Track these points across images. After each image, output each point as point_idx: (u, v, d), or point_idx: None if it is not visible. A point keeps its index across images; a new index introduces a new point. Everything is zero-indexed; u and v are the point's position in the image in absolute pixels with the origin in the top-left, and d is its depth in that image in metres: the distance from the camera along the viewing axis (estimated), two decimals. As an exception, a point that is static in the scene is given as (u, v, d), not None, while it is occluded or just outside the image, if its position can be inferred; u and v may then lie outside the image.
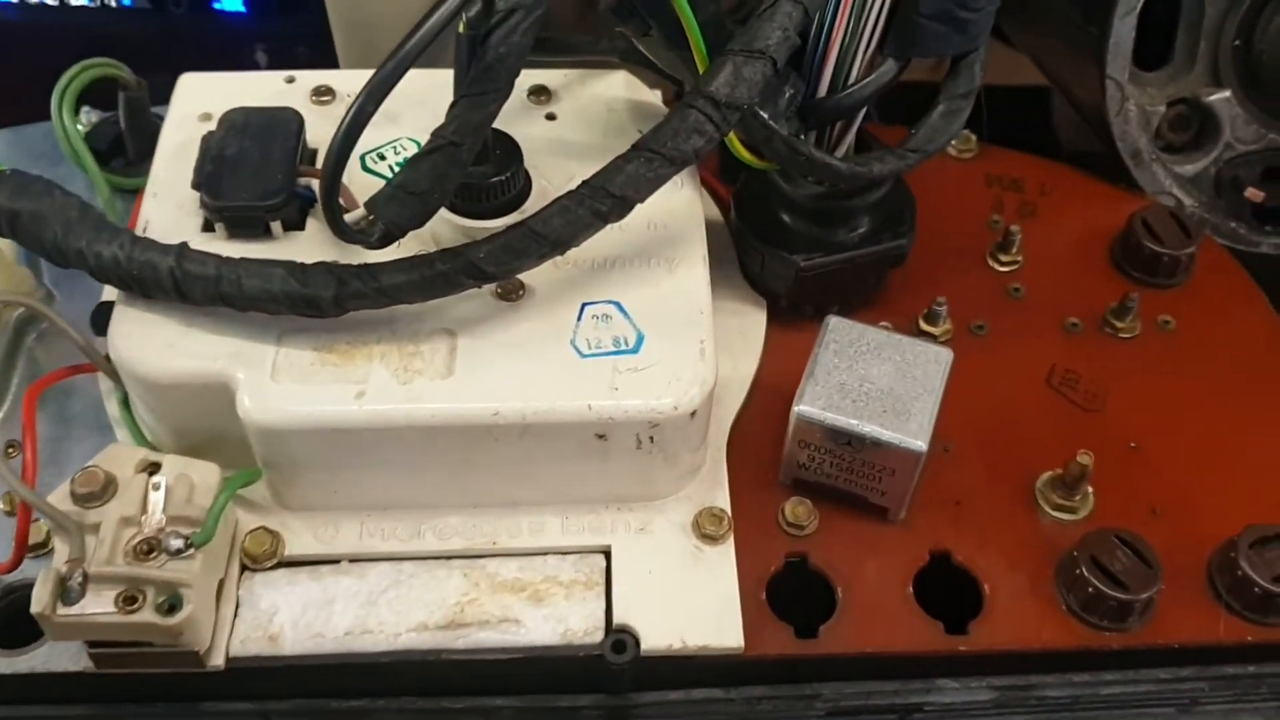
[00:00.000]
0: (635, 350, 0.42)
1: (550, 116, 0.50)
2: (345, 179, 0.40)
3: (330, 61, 0.62)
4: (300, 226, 0.44)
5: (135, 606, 0.38)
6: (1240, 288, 0.54)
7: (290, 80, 0.50)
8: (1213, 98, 0.57)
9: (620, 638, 0.41)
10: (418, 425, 0.41)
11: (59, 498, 0.39)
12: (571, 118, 0.50)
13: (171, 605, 0.38)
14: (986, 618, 0.43)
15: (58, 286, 0.51)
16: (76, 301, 0.49)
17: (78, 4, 0.66)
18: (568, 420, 0.41)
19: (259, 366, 0.41)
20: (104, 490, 0.39)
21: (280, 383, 0.41)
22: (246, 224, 0.44)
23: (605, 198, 0.40)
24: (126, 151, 0.53)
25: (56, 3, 0.66)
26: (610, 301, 0.44)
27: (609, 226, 0.41)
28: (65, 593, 0.38)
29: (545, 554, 0.43)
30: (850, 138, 0.47)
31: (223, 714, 0.43)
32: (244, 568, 0.43)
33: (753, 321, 0.51)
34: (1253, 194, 0.57)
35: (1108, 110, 0.55)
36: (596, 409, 0.41)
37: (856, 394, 0.43)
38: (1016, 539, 0.45)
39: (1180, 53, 0.57)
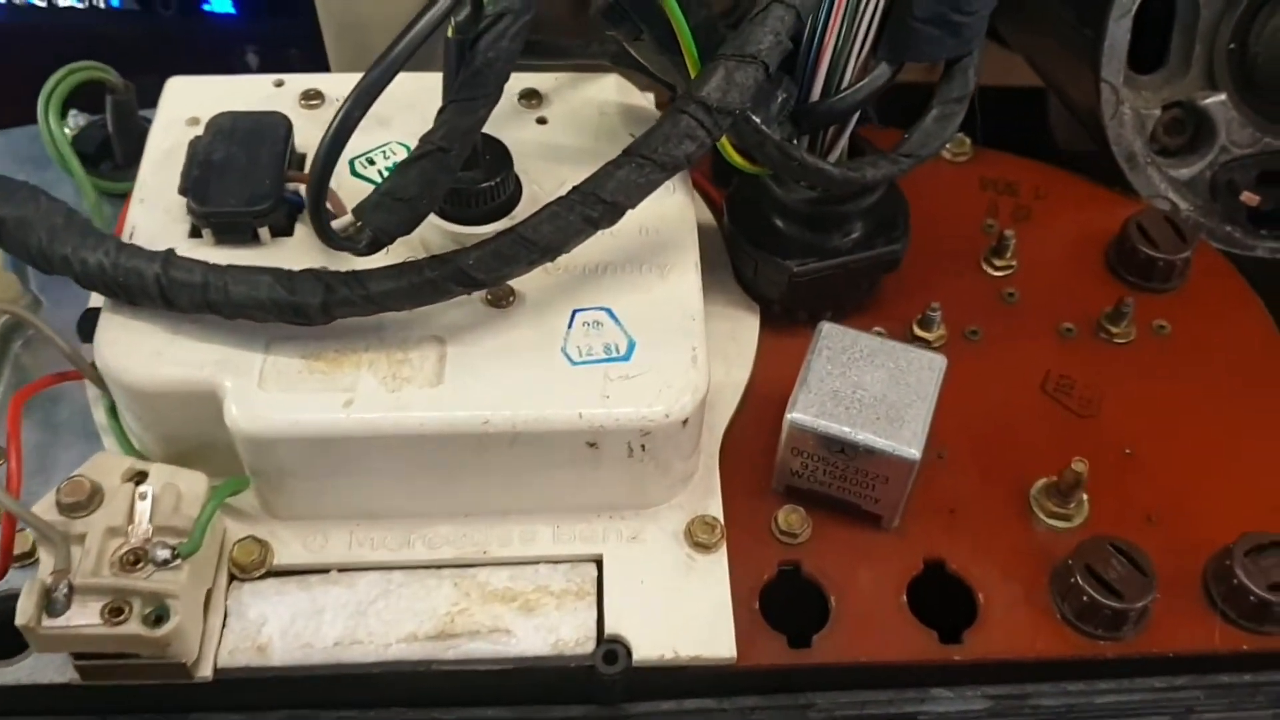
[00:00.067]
0: (627, 357, 0.42)
1: (541, 120, 0.50)
2: (334, 184, 0.40)
3: (321, 63, 0.62)
4: (288, 232, 0.44)
5: (121, 618, 0.37)
6: (1236, 292, 0.54)
7: (279, 84, 0.50)
8: (1208, 101, 0.57)
9: (612, 648, 0.41)
10: (407, 434, 0.40)
11: (44, 507, 0.38)
12: (563, 121, 0.50)
13: (158, 616, 0.37)
14: (981, 626, 0.43)
15: (44, 293, 0.50)
16: (63, 308, 0.48)
17: (66, 5, 0.66)
18: (558, 428, 0.41)
19: (246, 374, 0.41)
20: (90, 500, 0.38)
21: (268, 391, 0.40)
22: (234, 230, 0.43)
23: (596, 203, 0.39)
24: (114, 155, 0.53)
25: (45, 4, 0.66)
26: (601, 308, 0.43)
27: (600, 232, 0.40)
28: (50, 604, 0.37)
29: (536, 563, 0.43)
30: (843, 142, 0.47)
31: (211, 725, 0.42)
32: (232, 577, 0.42)
33: (746, 327, 0.50)
34: (1248, 198, 0.57)
35: (1102, 113, 0.55)
36: (587, 417, 0.41)
37: (850, 401, 0.43)
38: (1011, 547, 0.45)
39: (1175, 55, 0.56)
